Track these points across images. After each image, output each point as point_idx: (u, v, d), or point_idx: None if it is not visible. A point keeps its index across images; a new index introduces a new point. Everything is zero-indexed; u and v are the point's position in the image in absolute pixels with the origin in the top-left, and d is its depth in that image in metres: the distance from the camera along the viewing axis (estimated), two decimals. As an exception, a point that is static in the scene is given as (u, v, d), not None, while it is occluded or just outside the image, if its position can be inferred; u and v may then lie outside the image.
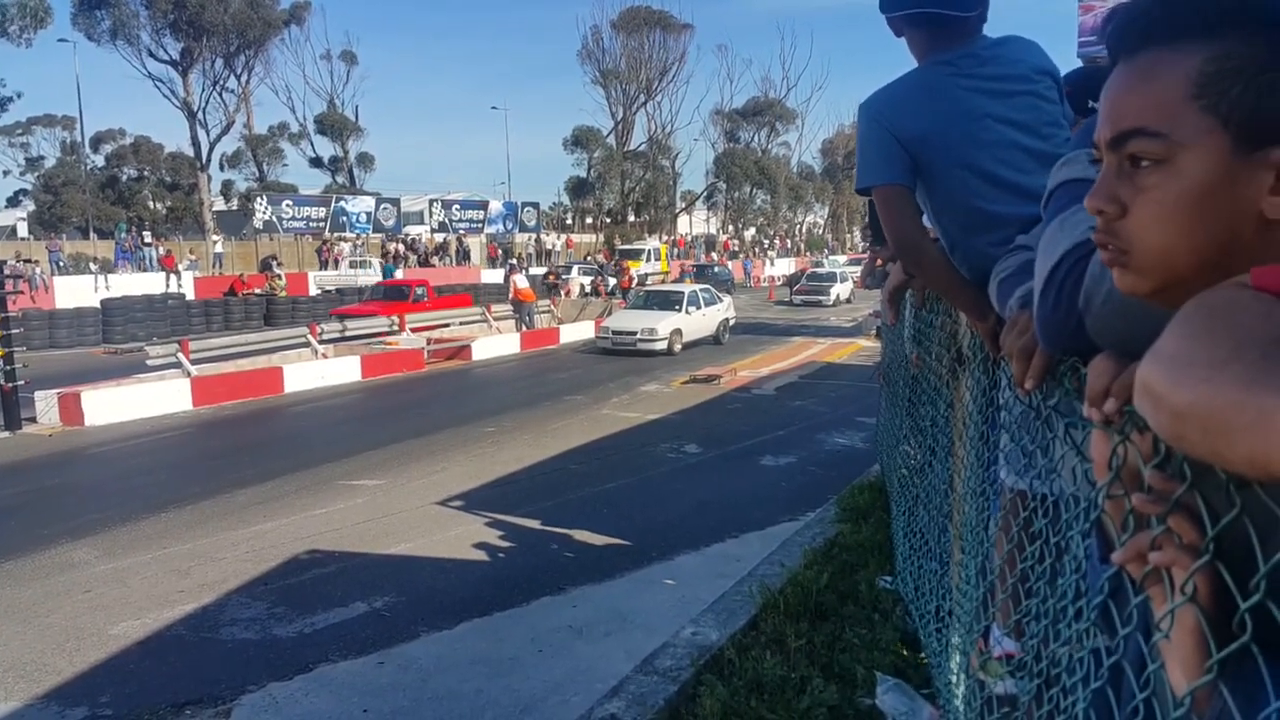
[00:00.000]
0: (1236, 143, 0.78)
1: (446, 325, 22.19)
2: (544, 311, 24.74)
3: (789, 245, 71.11)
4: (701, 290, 22.61)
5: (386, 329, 20.72)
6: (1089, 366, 1.02)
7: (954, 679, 2.90)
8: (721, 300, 22.97)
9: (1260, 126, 0.77)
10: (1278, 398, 0.57)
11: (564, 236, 57.36)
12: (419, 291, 26.07)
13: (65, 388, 13.61)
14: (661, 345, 19.92)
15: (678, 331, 20.43)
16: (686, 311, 21.07)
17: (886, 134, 2.26)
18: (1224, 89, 0.78)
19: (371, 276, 35.52)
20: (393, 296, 25.77)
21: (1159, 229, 0.83)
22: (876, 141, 2.28)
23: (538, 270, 40.78)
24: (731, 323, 23.06)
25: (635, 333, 20.10)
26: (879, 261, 4.32)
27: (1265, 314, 0.68)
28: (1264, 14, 0.77)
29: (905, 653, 4.21)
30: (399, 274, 36.13)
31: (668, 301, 21.61)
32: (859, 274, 26.09)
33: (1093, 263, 1.12)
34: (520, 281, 24.92)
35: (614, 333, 20.53)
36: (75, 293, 29.25)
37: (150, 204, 53.82)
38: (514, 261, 41.18)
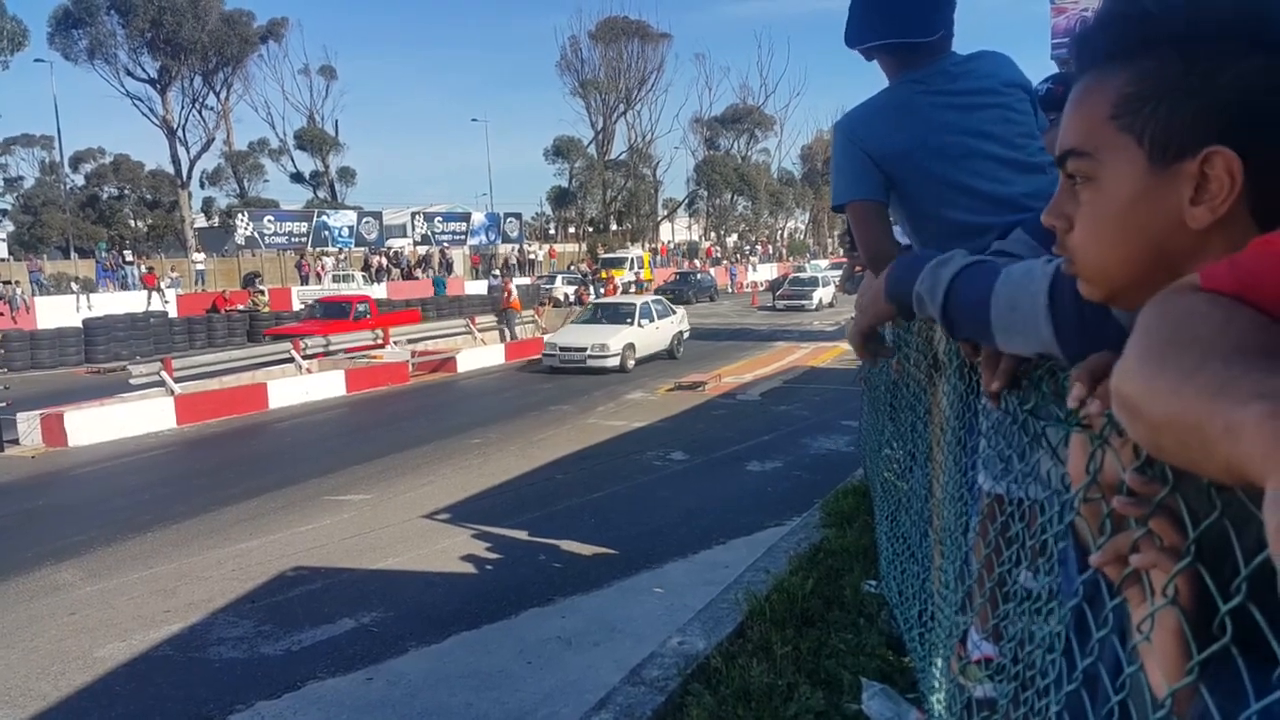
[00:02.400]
0: (1152, 158, 0.82)
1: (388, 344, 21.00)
2: (528, 321, 24.70)
3: (771, 251, 71.33)
4: (654, 302, 21.51)
5: (371, 342, 20.64)
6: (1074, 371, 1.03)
7: (937, 683, 2.92)
8: (675, 312, 21.79)
9: (1173, 140, 0.80)
10: (1243, 409, 0.58)
11: (547, 246, 57.37)
12: (360, 308, 25.06)
13: (48, 408, 13.51)
14: (613, 361, 18.66)
15: (630, 346, 19.19)
16: (639, 325, 19.75)
17: (860, 152, 2.34)
18: (1138, 108, 0.82)
19: (354, 290, 35.36)
20: (332, 314, 24.67)
21: (1093, 242, 0.89)
22: (850, 159, 2.36)
23: (521, 280, 40.88)
24: (686, 335, 21.93)
25: (585, 349, 18.78)
26: (857, 268, 4.35)
27: (1223, 321, 0.68)
28: (1174, 35, 0.81)
29: (890, 657, 4.23)
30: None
31: (619, 315, 20.17)
32: (839, 279, 26.20)
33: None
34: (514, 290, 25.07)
35: (561, 349, 19.16)
36: (57, 313, 29.08)
37: (131, 222, 53.61)
38: (497, 271, 41.33)
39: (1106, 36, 0.86)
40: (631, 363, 19.18)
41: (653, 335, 20.22)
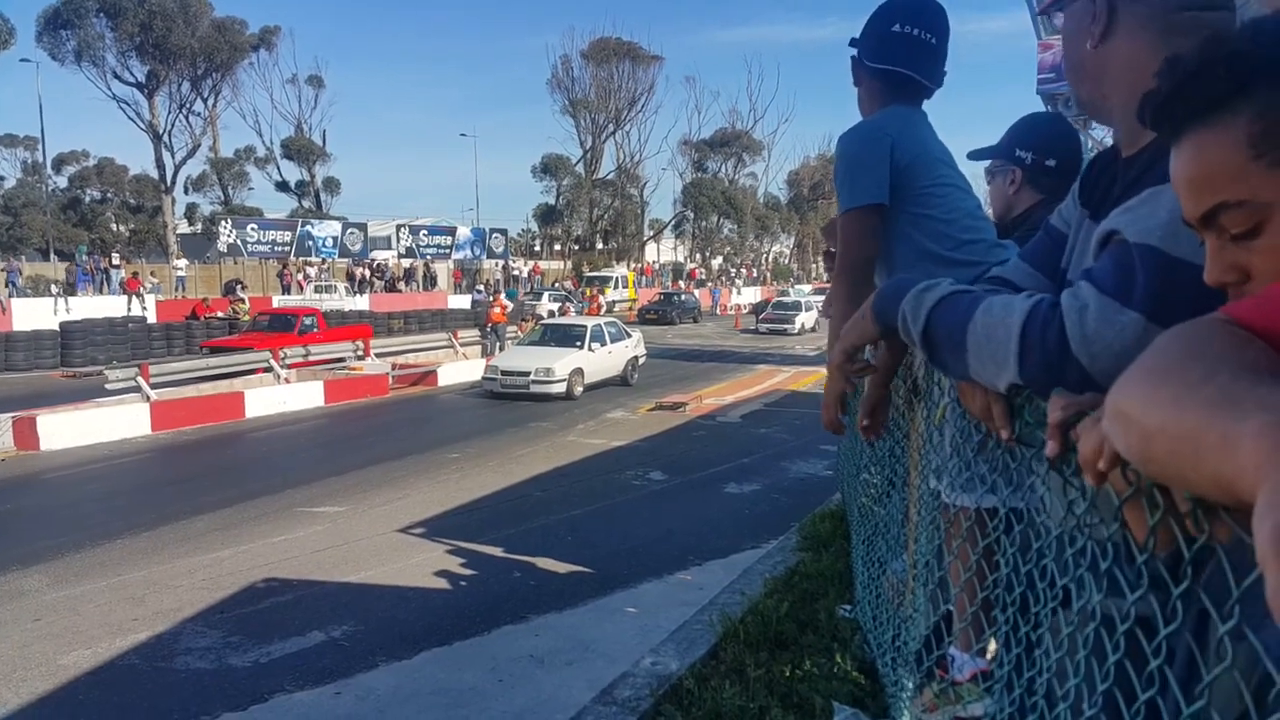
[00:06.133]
0: None
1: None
2: (511, 337, 24.64)
3: (755, 274, 71.57)
4: (607, 324, 20.21)
5: (351, 354, 20.52)
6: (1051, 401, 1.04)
7: (908, 708, 2.91)
8: (630, 335, 20.55)
9: None
10: (1242, 422, 0.59)
11: (532, 263, 57.36)
12: (307, 322, 23.60)
13: (20, 411, 13.36)
14: (559, 388, 17.53)
15: (578, 372, 18.07)
16: (589, 349, 18.61)
17: (888, 151, 2.42)
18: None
19: (336, 301, 35.20)
20: (277, 327, 23.15)
21: None
22: (878, 162, 2.42)
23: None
24: (641, 361, 20.67)
25: (528, 373, 17.59)
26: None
27: (1237, 344, 0.71)
28: (1274, 61, 0.79)
29: (863, 682, 4.22)
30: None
31: (568, 337, 18.97)
32: (822, 303, 26.30)
33: (1091, 312, 1.15)
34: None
35: (503, 373, 17.93)
36: (34, 315, 28.74)
37: (113, 226, 53.22)
38: (481, 286, 41.40)
39: (1200, 90, 0.83)
40: (579, 389, 18.05)
41: (604, 360, 19.12)
